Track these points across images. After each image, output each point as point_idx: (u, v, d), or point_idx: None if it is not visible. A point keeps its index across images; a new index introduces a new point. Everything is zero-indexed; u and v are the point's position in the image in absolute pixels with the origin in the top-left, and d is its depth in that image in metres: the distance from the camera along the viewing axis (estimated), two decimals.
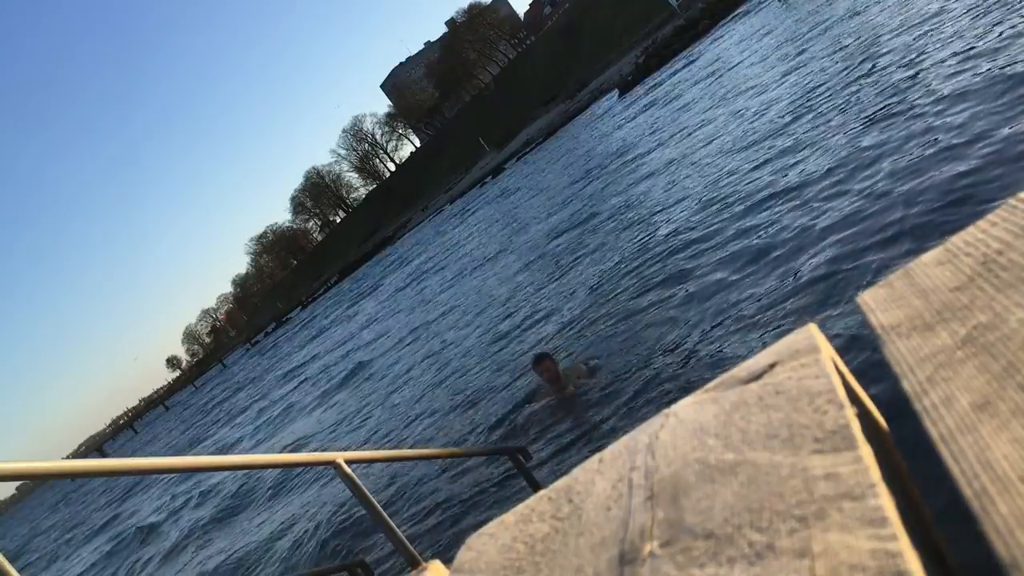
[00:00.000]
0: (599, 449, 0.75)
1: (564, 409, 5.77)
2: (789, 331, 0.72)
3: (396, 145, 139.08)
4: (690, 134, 14.15)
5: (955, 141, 5.48)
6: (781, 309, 4.87)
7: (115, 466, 1.67)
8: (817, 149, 7.71)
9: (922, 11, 10.04)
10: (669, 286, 6.85)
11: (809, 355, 0.66)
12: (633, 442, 0.72)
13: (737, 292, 5.62)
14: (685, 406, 0.72)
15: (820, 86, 10.25)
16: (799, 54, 13.83)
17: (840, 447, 0.53)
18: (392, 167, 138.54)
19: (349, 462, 2.32)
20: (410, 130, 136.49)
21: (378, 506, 2.30)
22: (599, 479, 0.71)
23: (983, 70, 6.42)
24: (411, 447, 7.79)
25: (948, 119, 5.96)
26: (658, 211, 10.14)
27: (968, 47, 7.28)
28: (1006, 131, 5.03)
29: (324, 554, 6.66)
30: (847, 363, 0.69)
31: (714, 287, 6.03)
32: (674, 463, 0.64)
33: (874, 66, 9.17)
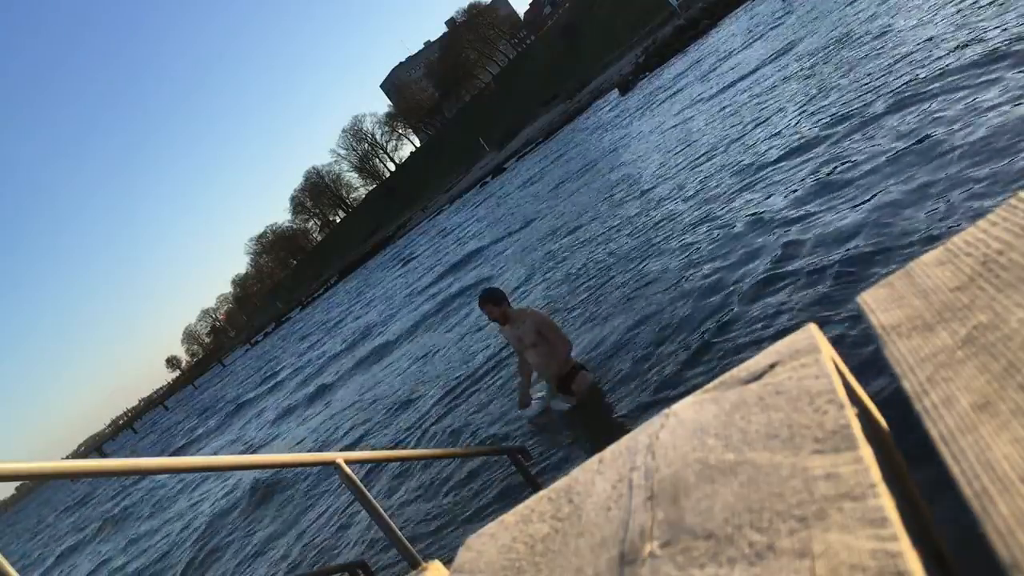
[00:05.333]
0: (599, 449, 0.75)
1: (564, 409, 5.76)
2: (789, 331, 0.72)
3: (396, 145, 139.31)
4: (687, 133, 14.16)
5: (965, 141, 5.48)
6: (781, 309, 4.87)
7: (115, 466, 1.67)
8: (818, 149, 7.71)
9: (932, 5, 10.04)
10: (667, 286, 6.85)
11: (809, 355, 0.66)
12: (633, 442, 0.73)
13: (736, 292, 5.62)
14: (685, 406, 0.72)
15: (823, 85, 10.25)
16: (801, 54, 13.83)
17: (840, 447, 0.53)
18: (392, 167, 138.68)
19: (349, 462, 2.32)
20: (410, 130, 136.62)
21: (378, 506, 2.30)
22: (599, 479, 0.71)
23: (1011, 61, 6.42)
24: (411, 447, 7.79)
25: (961, 122, 5.96)
26: (655, 210, 10.14)
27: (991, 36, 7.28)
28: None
29: (324, 554, 6.66)
30: (847, 363, 0.69)
31: (712, 287, 6.03)
32: (674, 463, 0.64)
33: (878, 62, 9.18)
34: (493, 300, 5.72)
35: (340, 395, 15.02)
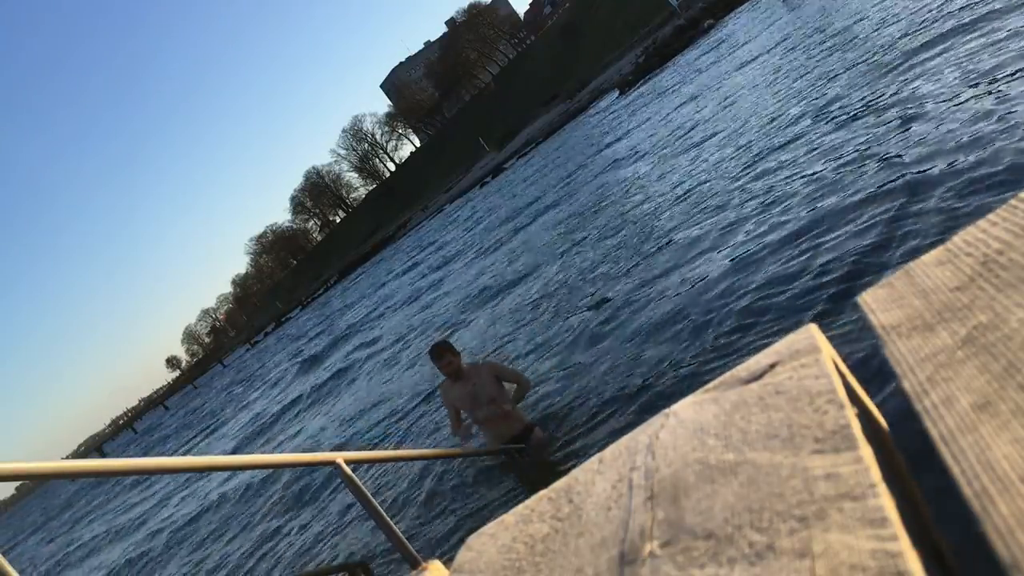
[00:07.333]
0: (599, 449, 0.75)
1: (564, 410, 5.76)
2: (789, 331, 0.72)
3: (396, 145, 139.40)
4: (685, 133, 14.16)
5: (967, 140, 5.48)
6: (781, 309, 4.87)
7: (115, 466, 1.67)
8: (816, 150, 7.71)
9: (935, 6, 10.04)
10: (666, 285, 6.84)
11: (809, 355, 0.66)
12: (633, 442, 0.73)
13: (736, 292, 5.62)
14: (685, 406, 0.72)
15: (825, 82, 10.25)
16: (800, 55, 13.83)
17: (840, 447, 0.53)
18: (392, 167, 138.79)
19: (349, 462, 2.32)
20: (410, 130, 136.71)
21: (378, 506, 2.30)
22: (599, 479, 0.71)
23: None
24: (411, 447, 7.79)
25: (963, 122, 5.96)
26: (653, 209, 10.14)
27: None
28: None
29: (324, 554, 6.66)
30: (847, 363, 0.69)
31: (712, 286, 6.03)
32: (674, 463, 0.64)
33: (881, 64, 9.17)
34: (452, 350, 5.12)
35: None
